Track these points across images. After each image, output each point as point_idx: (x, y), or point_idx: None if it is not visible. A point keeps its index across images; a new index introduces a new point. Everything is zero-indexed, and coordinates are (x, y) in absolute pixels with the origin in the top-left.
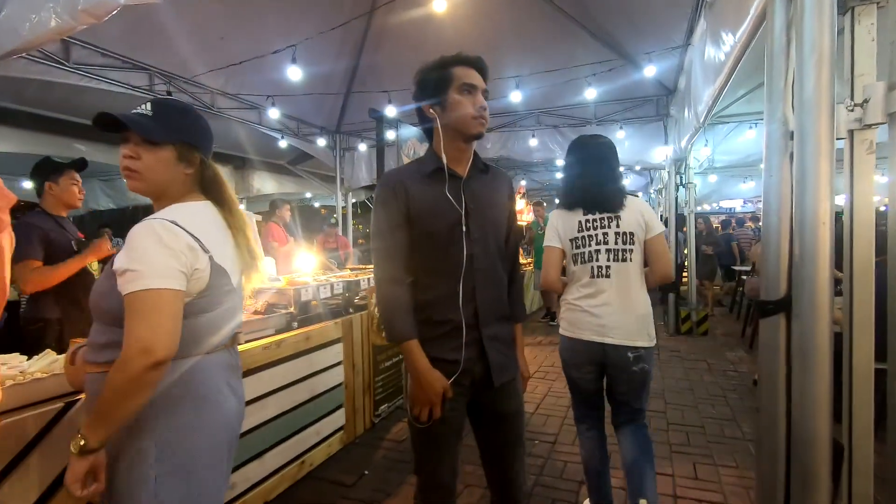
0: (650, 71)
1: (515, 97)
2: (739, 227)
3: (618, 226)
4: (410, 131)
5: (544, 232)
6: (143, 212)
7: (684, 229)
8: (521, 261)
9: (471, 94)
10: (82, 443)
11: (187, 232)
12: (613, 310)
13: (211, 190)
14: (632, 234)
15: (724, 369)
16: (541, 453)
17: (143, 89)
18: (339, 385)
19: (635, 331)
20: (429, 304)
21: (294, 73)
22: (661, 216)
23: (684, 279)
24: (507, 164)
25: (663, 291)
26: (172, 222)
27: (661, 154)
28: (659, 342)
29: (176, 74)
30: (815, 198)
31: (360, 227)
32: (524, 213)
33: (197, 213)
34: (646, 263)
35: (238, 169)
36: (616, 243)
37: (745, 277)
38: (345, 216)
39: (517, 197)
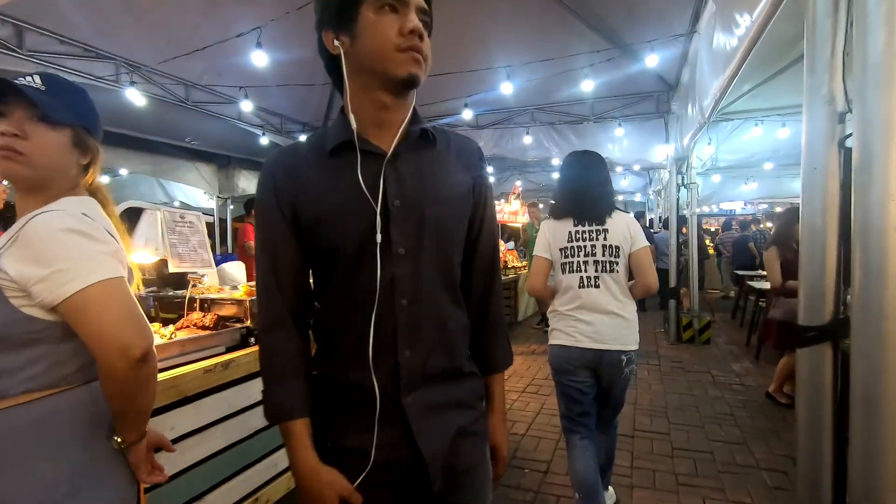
0: (652, 60)
1: (506, 88)
2: (726, 229)
3: (605, 238)
4: None
5: None
6: (130, 211)
7: (684, 230)
8: (516, 264)
9: (396, 13)
10: (119, 439)
11: (103, 227)
12: (605, 317)
13: (96, 186)
14: (618, 247)
15: (729, 382)
16: (530, 485)
17: (107, 80)
18: None
19: (626, 336)
20: (327, 356)
21: (259, 59)
22: (660, 218)
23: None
24: (501, 163)
25: (663, 297)
26: (84, 214)
27: (661, 153)
28: (660, 351)
29: (144, 65)
30: (882, 195)
31: None
32: (519, 215)
33: (94, 209)
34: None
35: (222, 168)
36: (604, 255)
37: (750, 283)
38: None
39: (511, 197)
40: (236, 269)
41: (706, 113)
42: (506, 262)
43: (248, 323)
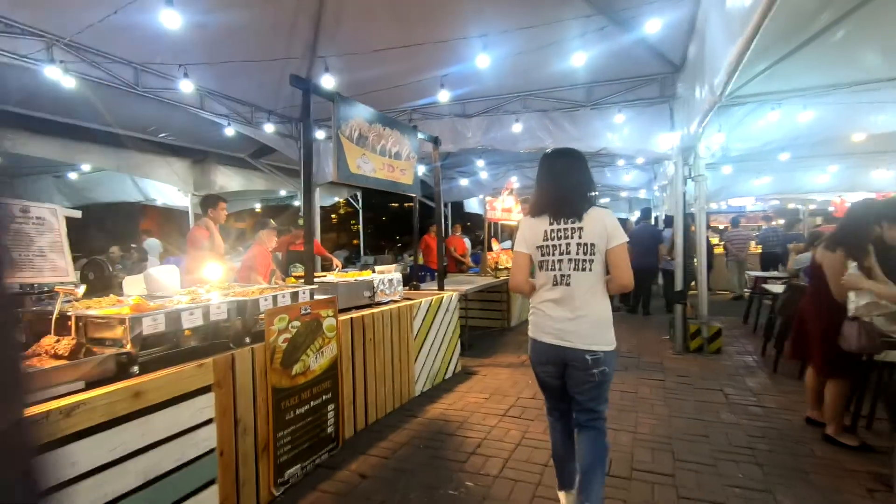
0: (653, 26)
1: (482, 61)
2: (734, 227)
3: (580, 236)
4: (355, 109)
5: None
6: (103, 210)
7: (693, 229)
8: (508, 265)
9: None
10: None
11: None
12: (572, 316)
13: None
14: (593, 244)
15: (745, 403)
16: None
17: (33, 59)
18: (208, 454)
19: (592, 335)
20: None
21: (170, 20)
22: (664, 215)
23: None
24: (494, 157)
25: (669, 301)
26: None
27: (666, 142)
28: (664, 363)
29: (82, 44)
30: None
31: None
32: (513, 212)
33: None
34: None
35: (197, 163)
36: (577, 253)
37: (765, 286)
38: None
39: (504, 193)
40: (167, 275)
41: (718, 91)
42: (497, 262)
43: (129, 347)
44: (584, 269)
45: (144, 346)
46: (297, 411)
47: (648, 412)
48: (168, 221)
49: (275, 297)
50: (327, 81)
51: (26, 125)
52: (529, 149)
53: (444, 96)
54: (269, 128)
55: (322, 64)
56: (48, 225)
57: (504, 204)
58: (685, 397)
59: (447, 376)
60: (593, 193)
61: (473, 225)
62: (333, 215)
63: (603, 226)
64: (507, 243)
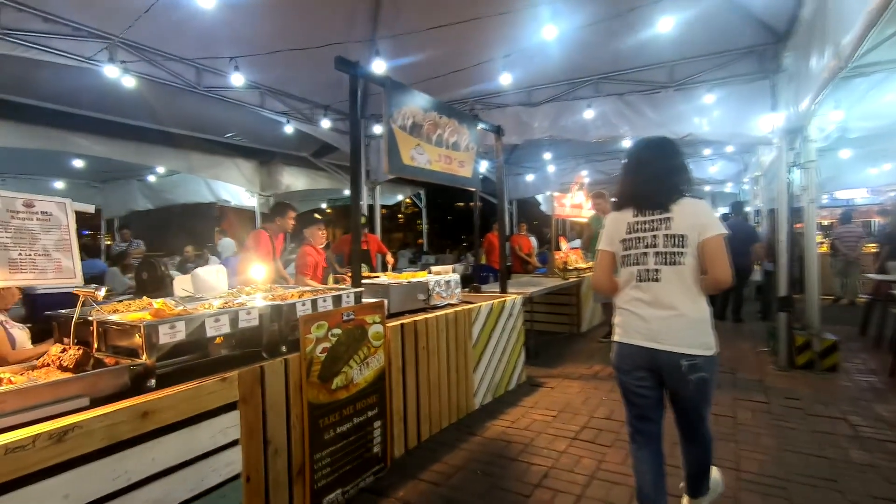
0: None
1: (549, 32)
2: (844, 223)
3: (668, 228)
4: (408, 95)
5: None
6: (181, 211)
7: (798, 226)
8: (580, 265)
9: None
10: None
11: None
12: (665, 315)
13: None
14: (683, 236)
15: (881, 437)
16: None
17: (96, 61)
18: (232, 480)
19: (688, 337)
20: None
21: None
22: (757, 212)
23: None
24: (562, 149)
25: (765, 306)
26: None
27: (766, 124)
28: (766, 381)
29: (140, 43)
30: None
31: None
32: (583, 208)
33: None
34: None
35: (264, 164)
36: (665, 246)
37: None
38: (371, 212)
39: (574, 188)
40: (213, 276)
41: (846, 52)
42: (566, 262)
43: (144, 358)
44: (674, 263)
45: (164, 356)
46: (338, 429)
47: (752, 444)
48: (246, 222)
49: (314, 302)
50: (378, 67)
51: (99, 129)
52: (603, 138)
53: (506, 79)
54: (325, 123)
55: (373, 48)
56: (55, 221)
57: (573, 200)
58: (797, 426)
59: (510, 388)
60: (684, 186)
61: (540, 223)
62: (400, 215)
63: (694, 215)
64: (577, 242)
